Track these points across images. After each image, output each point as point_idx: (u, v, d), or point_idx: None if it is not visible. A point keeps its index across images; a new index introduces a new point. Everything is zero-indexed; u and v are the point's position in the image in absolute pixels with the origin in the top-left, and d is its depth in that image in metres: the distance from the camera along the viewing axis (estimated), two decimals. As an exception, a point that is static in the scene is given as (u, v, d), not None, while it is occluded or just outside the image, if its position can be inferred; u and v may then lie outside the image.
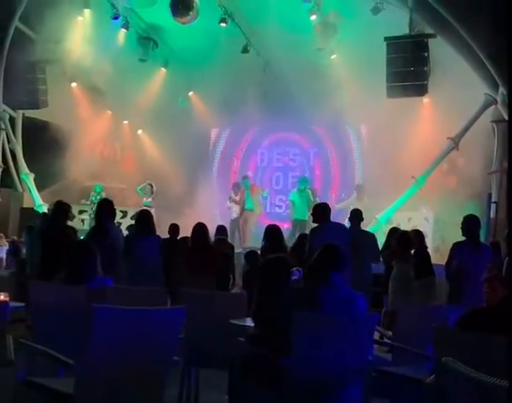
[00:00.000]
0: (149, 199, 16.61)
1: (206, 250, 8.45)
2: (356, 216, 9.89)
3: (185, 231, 9.55)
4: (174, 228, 10.14)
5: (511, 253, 4.22)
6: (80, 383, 3.84)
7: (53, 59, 17.16)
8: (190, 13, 15.66)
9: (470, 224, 7.98)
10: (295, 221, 14.89)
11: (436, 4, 13.46)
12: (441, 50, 14.14)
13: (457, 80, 13.13)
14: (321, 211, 9.07)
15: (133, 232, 8.62)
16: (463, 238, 8.00)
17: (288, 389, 4.11)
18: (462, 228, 7.97)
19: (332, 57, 16.53)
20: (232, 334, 5.11)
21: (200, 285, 7.44)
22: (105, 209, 8.04)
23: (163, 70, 18.91)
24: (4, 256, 14.29)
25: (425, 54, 14.51)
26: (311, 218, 10.12)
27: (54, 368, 4.51)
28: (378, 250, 9.65)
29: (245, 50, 17.09)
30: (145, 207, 15.40)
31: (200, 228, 8.68)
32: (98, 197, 16.60)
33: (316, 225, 9.14)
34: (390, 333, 5.94)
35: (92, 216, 16.42)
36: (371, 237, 9.70)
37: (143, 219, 8.48)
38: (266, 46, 17.49)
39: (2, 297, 5.47)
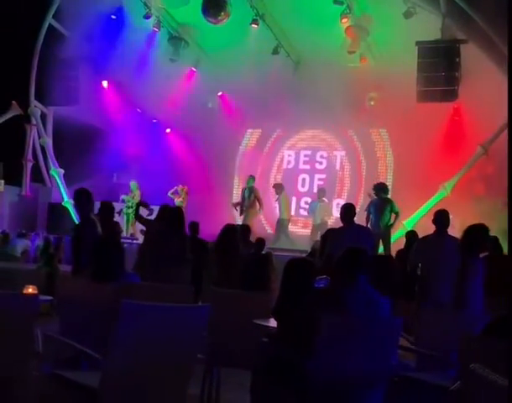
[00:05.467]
0: (180, 199, 16.62)
1: (227, 251, 8.57)
2: None
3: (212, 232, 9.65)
4: (193, 226, 10.15)
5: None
6: (106, 377, 3.87)
7: (85, 56, 17.34)
8: (222, 13, 15.72)
9: (441, 218, 7.90)
10: None
11: (469, 10, 13.37)
12: (473, 56, 14.03)
13: (488, 86, 13.00)
14: (343, 212, 8.78)
15: (162, 228, 8.59)
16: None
17: (310, 390, 4.11)
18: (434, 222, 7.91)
19: (363, 60, 16.45)
20: (255, 334, 5.12)
21: (224, 285, 7.51)
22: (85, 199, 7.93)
23: (193, 69, 18.97)
24: (31, 249, 14.50)
25: (457, 59, 14.42)
26: None
27: (77, 361, 4.57)
28: None
29: (275, 52, 17.11)
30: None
31: (225, 230, 8.81)
32: (132, 195, 16.72)
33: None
34: (412, 338, 5.89)
35: (129, 212, 16.57)
36: None
37: (173, 216, 8.45)
38: (296, 48, 17.52)
39: (31, 290, 5.54)
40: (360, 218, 13.30)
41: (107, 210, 8.35)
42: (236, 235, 9.08)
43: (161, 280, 7.18)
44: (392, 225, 12.77)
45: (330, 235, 8.56)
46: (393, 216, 12.76)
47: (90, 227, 7.43)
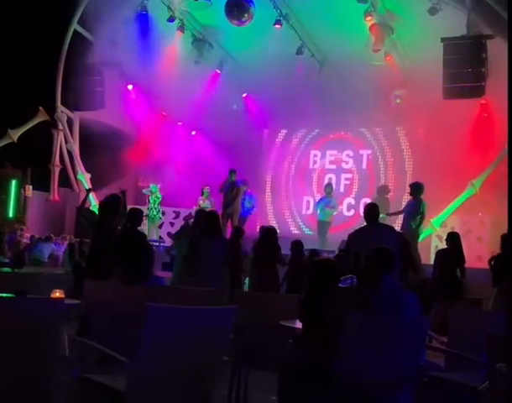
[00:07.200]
0: (207, 202, 16.57)
1: (266, 254, 8.63)
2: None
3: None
4: (238, 232, 10.22)
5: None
6: (133, 380, 3.89)
7: (110, 61, 17.46)
8: (245, 14, 15.71)
9: None
10: None
11: (494, 4, 13.21)
12: (500, 51, 13.83)
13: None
14: (366, 211, 8.59)
15: (199, 232, 8.64)
16: None
17: (337, 392, 4.08)
18: None
19: (388, 58, 16.36)
20: (281, 336, 5.10)
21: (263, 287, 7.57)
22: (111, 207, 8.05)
23: (217, 71, 18.98)
24: (61, 255, 14.64)
25: (483, 55, 14.25)
26: None
27: (107, 364, 4.59)
28: None
29: (299, 52, 17.07)
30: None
31: (264, 233, 8.88)
32: (154, 197, 16.77)
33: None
34: (443, 339, 5.82)
35: (151, 214, 16.60)
36: None
37: (211, 220, 8.50)
38: (320, 48, 17.46)
39: (58, 294, 5.57)
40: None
41: (135, 215, 8.38)
42: (275, 237, 9.12)
43: (201, 285, 7.22)
44: (419, 226, 12.32)
45: (354, 235, 8.46)
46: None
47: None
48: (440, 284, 9.67)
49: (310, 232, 17.71)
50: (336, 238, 14.52)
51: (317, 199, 17.41)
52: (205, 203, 16.32)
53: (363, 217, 8.59)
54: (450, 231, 11.11)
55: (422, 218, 12.29)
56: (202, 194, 16.63)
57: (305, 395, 4.32)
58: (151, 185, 17.08)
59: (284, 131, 19.68)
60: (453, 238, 10.12)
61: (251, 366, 5.68)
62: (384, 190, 16.90)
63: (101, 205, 8.44)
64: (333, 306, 4.50)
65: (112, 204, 8.01)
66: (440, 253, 10.20)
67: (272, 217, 18.96)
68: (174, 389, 4.04)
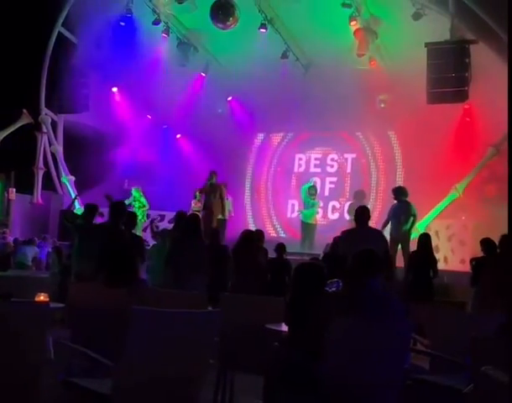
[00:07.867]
0: (199, 204, 16.48)
1: (244, 257, 8.62)
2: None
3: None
4: (213, 233, 10.22)
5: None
6: (118, 384, 3.88)
7: (95, 63, 17.41)
8: (230, 18, 15.73)
9: None
10: None
11: (477, 10, 13.32)
12: (483, 56, 13.96)
13: (499, 86, 12.87)
14: (356, 214, 8.74)
15: (180, 235, 8.65)
16: None
17: (323, 395, 4.09)
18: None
19: (372, 62, 16.43)
20: (267, 339, 5.11)
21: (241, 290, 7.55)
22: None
23: (202, 75, 18.99)
24: (44, 258, 14.53)
25: (467, 60, 14.36)
26: None
27: (92, 368, 4.58)
28: None
29: (284, 56, 17.12)
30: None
31: (242, 236, 8.88)
32: (133, 201, 16.65)
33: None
34: (427, 341, 5.85)
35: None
36: None
37: (192, 223, 8.52)
38: (305, 52, 17.52)
39: (42, 298, 5.55)
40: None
41: (129, 218, 8.36)
42: (253, 241, 9.13)
43: (177, 288, 7.21)
44: (411, 228, 12.37)
45: (342, 237, 8.54)
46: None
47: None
48: (413, 286, 9.75)
49: (284, 235, 17.79)
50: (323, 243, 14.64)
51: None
52: (197, 206, 16.31)
53: (354, 219, 8.68)
54: (421, 233, 11.21)
55: (415, 220, 12.34)
56: (195, 197, 16.57)
57: (291, 398, 4.32)
58: (132, 189, 16.98)
59: (269, 134, 19.67)
60: (423, 240, 10.17)
61: (236, 369, 5.68)
62: (360, 195, 16.92)
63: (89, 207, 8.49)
64: (319, 309, 4.51)
65: (119, 209, 8.06)
66: (412, 256, 10.29)
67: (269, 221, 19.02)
68: (159, 392, 4.03)
